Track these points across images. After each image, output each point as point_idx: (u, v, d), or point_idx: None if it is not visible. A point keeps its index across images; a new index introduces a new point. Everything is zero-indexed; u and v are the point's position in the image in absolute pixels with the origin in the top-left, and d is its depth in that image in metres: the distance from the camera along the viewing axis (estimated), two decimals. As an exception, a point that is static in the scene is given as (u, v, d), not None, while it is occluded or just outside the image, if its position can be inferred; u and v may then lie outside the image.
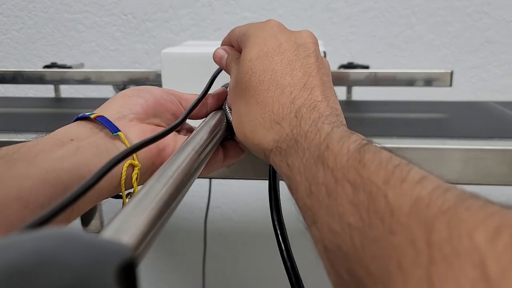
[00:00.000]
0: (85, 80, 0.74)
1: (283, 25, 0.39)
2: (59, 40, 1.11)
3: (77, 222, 0.78)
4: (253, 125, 0.34)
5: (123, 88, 0.74)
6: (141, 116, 0.38)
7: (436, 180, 0.21)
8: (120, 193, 0.35)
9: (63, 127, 0.35)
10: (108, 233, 0.20)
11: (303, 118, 0.31)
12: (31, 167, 0.29)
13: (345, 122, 0.33)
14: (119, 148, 0.34)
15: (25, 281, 0.12)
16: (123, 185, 0.34)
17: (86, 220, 0.77)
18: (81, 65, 0.89)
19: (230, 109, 0.40)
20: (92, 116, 0.35)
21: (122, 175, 0.34)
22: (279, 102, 0.33)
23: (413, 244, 0.18)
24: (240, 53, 0.43)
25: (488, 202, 0.19)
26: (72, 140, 0.33)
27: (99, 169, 0.24)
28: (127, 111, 0.37)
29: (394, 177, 0.22)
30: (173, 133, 0.39)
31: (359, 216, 0.22)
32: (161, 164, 0.37)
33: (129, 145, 0.35)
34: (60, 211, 0.20)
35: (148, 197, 0.24)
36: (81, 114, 0.36)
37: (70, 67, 0.80)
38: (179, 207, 0.28)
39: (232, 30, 0.42)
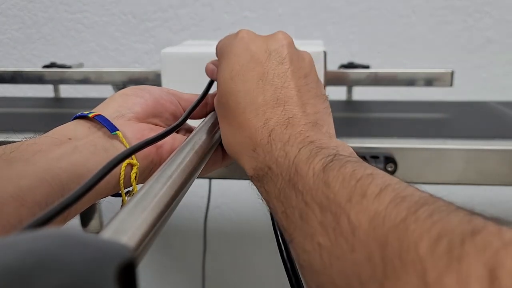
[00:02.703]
0: (85, 80, 0.74)
1: (253, 34, 0.38)
2: (58, 40, 1.11)
3: (76, 223, 0.78)
4: (238, 150, 0.34)
5: (123, 88, 0.74)
6: (140, 116, 0.38)
7: (394, 190, 0.23)
8: (119, 191, 0.34)
9: (61, 126, 0.35)
10: (108, 234, 0.20)
11: (274, 141, 0.31)
12: (29, 166, 0.29)
13: (323, 122, 0.33)
14: (117, 147, 0.34)
15: (24, 281, 0.12)
16: (122, 184, 0.34)
17: (85, 220, 0.77)
18: (81, 65, 0.89)
19: None
20: (90, 115, 0.35)
21: (121, 174, 0.33)
22: (254, 127, 0.33)
23: (370, 260, 0.20)
24: None
25: (437, 209, 0.20)
26: (70, 139, 0.33)
27: (98, 170, 0.24)
28: (126, 110, 0.37)
29: (356, 193, 0.23)
30: None
31: (327, 236, 0.23)
32: (159, 162, 0.37)
33: (127, 145, 0.35)
34: (60, 212, 0.20)
35: (148, 198, 0.24)
36: (79, 113, 0.36)
37: (69, 67, 0.80)
38: (178, 207, 0.28)
39: (218, 44, 0.41)
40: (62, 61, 0.86)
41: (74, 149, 0.32)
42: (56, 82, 0.80)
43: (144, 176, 0.36)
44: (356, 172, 0.25)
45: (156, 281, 1.21)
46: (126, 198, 0.35)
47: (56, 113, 0.79)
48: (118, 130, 0.35)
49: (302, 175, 0.27)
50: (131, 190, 0.35)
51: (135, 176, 0.34)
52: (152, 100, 0.39)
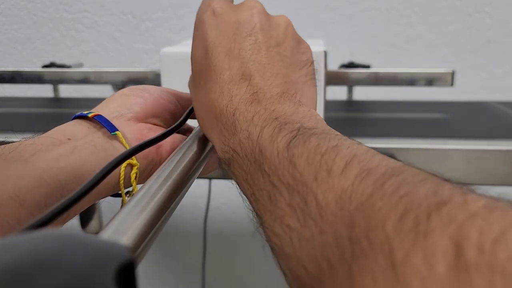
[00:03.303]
0: (84, 80, 0.74)
1: (225, 5, 0.35)
2: (58, 40, 1.11)
3: (75, 223, 0.77)
4: (210, 133, 0.33)
5: (122, 88, 0.74)
6: (140, 116, 0.37)
7: (360, 162, 0.22)
8: (119, 192, 0.34)
9: (60, 126, 0.35)
10: (107, 234, 0.20)
11: (238, 121, 0.29)
12: (27, 166, 0.28)
13: (294, 91, 0.31)
14: (117, 147, 0.34)
15: (23, 282, 0.12)
16: (122, 185, 0.34)
17: (85, 220, 0.77)
18: (80, 65, 0.89)
19: None
20: (89, 115, 0.35)
21: (121, 175, 0.33)
22: (219, 106, 0.31)
23: (338, 241, 0.19)
24: None
25: (404, 181, 0.19)
26: (69, 139, 0.32)
27: (98, 171, 0.24)
28: (126, 110, 0.37)
29: (321, 170, 0.22)
30: None
31: (296, 218, 0.22)
32: (159, 161, 0.37)
33: (126, 145, 0.34)
34: (59, 213, 0.20)
35: (147, 198, 0.24)
36: (78, 113, 0.36)
37: (69, 67, 0.80)
38: (178, 207, 0.28)
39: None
40: (62, 61, 0.86)
41: (73, 149, 0.32)
42: (56, 82, 0.80)
43: (144, 176, 0.36)
44: (320, 146, 0.24)
45: (156, 281, 1.21)
46: (126, 198, 0.35)
47: (55, 113, 0.78)
48: (117, 130, 0.34)
49: (266, 156, 0.26)
50: (131, 190, 0.35)
51: (135, 176, 0.34)
52: (152, 100, 0.38)
